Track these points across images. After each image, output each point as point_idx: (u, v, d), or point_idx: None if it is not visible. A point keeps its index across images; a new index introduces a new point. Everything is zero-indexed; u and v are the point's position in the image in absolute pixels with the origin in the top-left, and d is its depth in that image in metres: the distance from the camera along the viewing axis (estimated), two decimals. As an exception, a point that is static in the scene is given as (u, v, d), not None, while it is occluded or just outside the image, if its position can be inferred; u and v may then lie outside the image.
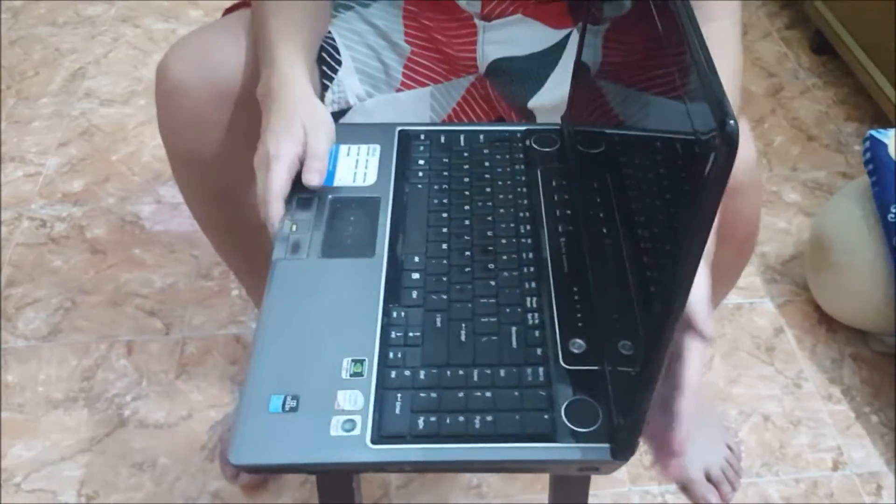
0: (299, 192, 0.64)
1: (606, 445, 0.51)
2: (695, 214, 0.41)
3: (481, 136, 0.73)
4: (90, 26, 1.83)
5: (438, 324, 0.57)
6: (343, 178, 0.67)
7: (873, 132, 1.12)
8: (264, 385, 0.52)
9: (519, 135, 0.74)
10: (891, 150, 1.09)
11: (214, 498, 1.01)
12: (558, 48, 0.83)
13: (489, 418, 0.52)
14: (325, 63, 0.80)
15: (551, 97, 0.82)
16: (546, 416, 0.52)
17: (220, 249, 0.94)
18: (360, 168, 0.68)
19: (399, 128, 0.73)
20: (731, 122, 0.38)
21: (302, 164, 0.65)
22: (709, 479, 1.02)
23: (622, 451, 0.51)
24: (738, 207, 0.71)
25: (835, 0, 1.61)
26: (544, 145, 0.74)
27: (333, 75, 0.80)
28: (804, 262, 1.25)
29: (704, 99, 0.41)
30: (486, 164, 0.71)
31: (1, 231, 1.35)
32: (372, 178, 0.67)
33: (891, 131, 1.11)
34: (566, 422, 0.52)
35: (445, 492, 1.02)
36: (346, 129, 0.70)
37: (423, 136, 0.73)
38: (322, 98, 0.80)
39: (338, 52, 0.80)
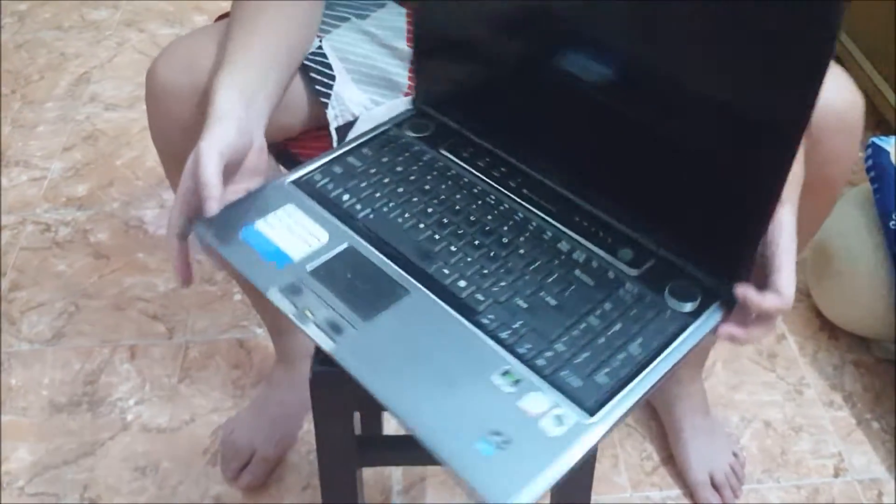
0: (277, 281, 0.59)
1: (717, 302, 0.58)
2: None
3: (365, 149, 0.70)
4: (95, 31, 1.84)
5: (524, 305, 0.58)
6: (298, 250, 0.61)
7: (875, 139, 1.12)
8: (453, 444, 0.50)
9: (393, 131, 0.73)
10: (893, 158, 1.09)
11: (217, 501, 1.02)
12: None
13: (636, 343, 0.55)
14: (319, 81, 0.80)
15: None
16: (668, 315, 0.57)
17: None
18: (300, 232, 0.62)
19: (286, 181, 0.67)
20: None
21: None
22: (712, 483, 1.02)
23: (739, 275, 0.57)
24: (834, 148, 0.70)
25: (837, 7, 1.61)
26: (419, 130, 0.73)
27: (329, 91, 0.80)
28: (806, 269, 1.25)
29: None
30: (399, 168, 0.68)
31: (5, 235, 1.36)
32: (322, 234, 0.62)
33: (892, 138, 1.11)
34: (682, 308, 0.58)
35: (446, 497, 1.03)
36: (238, 206, 0.63)
37: (318, 176, 0.68)
38: (324, 115, 0.81)
39: (330, 68, 0.81)
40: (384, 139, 0.72)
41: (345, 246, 0.61)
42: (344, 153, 0.70)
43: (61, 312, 1.24)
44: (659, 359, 0.54)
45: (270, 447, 1.04)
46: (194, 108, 0.75)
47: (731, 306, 0.57)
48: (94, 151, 1.52)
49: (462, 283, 0.59)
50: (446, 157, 0.70)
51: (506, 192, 0.67)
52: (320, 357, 0.65)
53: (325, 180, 0.67)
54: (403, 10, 0.85)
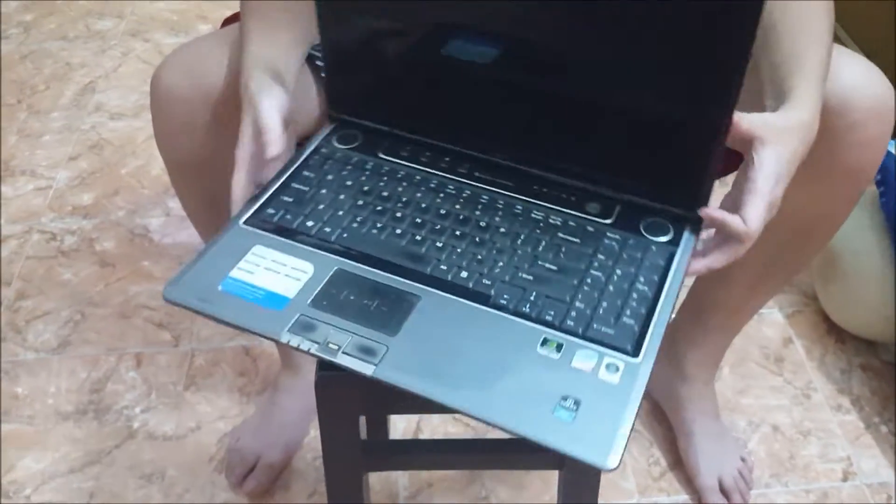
0: (284, 324, 0.56)
1: (688, 227, 0.63)
2: None
3: (306, 172, 0.68)
4: (100, 41, 1.85)
5: (530, 277, 0.59)
6: (289, 287, 0.58)
7: (880, 142, 1.11)
8: (534, 422, 0.51)
9: (326, 148, 0.71)
10: (898, 160, 1.09)
11: (223, 510, 1.02)
12: None
13: (639, 282, 0.59)
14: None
15: None
16: (653, 250, 0.61)
17: None
18: (282, 270, 0.60)
19: (239, 223, 0.64)
20: None
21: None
22: (721, 488, 1.02)
23: (701, 201, 0.61)
24: (867, 134, 0.71)
25: (840, 8, 1.61)
26: (349, 141, 0.71)
27: None
28: (813, 273, 1.25)
29: None
30: (348, 182, 0.67)
31: (11, 244, 1.36)
32: (305, 265, 0.60)
33: (898, 141, 1.11)
34: (662, 240, 0.62)
35: (454, 502, 1.02)
36: (202, 262, 0.60)
37: (271, 210, 0.64)
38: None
39: None
40: (320, 158, 0.69)
41: (334, 270, 0.60)
42: (286, 181, 0.67)
43: (67, 321, 1.24)
44: (665, 289, 0.59)
45: (276, 453, 1.04)
46: (198, 114, 0.75)
47: (699, 228, 0.63)
48: (99, 160, 1.53)
49: (464, 275, 0.59)
50: (388, 160, 0.69)
51: (460, 179, 0.67)
52: (324, 362, 0.64)
53: (281, 212, 0.64)
54: None
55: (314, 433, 1.09)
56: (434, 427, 1.10)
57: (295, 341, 0.55)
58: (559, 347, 0.55)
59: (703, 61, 0.56)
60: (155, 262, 1.33)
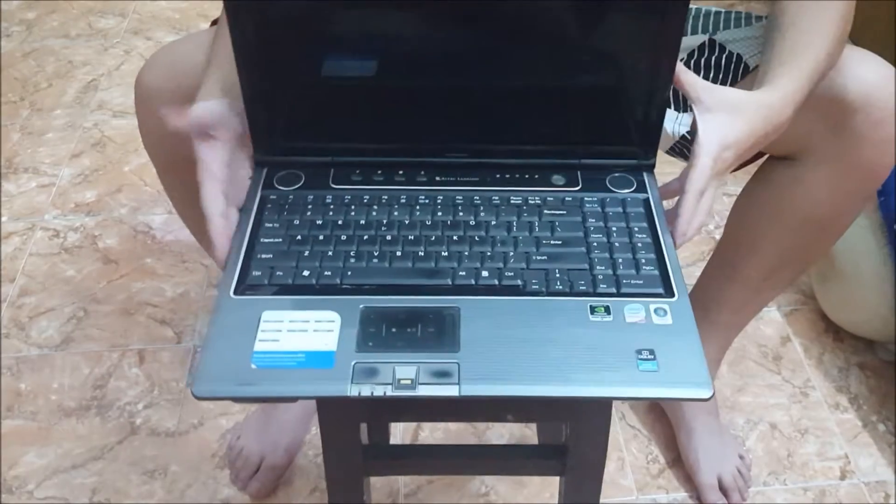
0: (343, 378, 0.53)
1: (644, 173, 0.68)
2: None
3: (268, 224, 0.65)
4: (103, 39, 1.86)
5: (543, 257, 0.62)
6: (325, 341, 0.55)
7: (879, 142, 1.12)
8: (628, 383, 0.53)
9: (273, 195, 0.67)
10: (897, 160, 1.09)
11: (225, 505, 1.02)
12: None
13: (635, 232, 0.64)
14: None
15: None
16: (628, 201, 0.66)
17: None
18: (306, 327, 0.57)
19: (230, 296, 0.61)
20: None
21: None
22: (720, 486, 1.03)
23: (651, 149, 0.67)
24: (866, 129, 0.72)
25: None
26: (292, 182, 0.68)
27: None
28: (811, 272, 1.25)
29: None
30: (318, 221, 0.64)
31: (15, 241, 1.37)
32: (328, 314, 0.57)
33: None
34: (630, 189, 0.67)
35: (454, 500, 1.03)
36: (213, 350, 0.57)
37: (256, 273, 0.61)
38: None
39: None
40: (274, 206, 0.65)
41: (361, 310, 0.57)
42: (251, 240, 0.63)
43: (70, 317, 1.25)
44: (658, 230, 0.63)
45: (279, 454, 1.04)
46: (180, 111, 0.75)
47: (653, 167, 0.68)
48: (102, 158, 1.53)
49: (486, 274, 0.60)
50: (345, 189, 0.67)
51: (425, 187, 0.67)
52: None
53: (269, 270, 0.60)
54: None
55: (315, 430, 1.10)
56: (434, 427, 1.10)
57: (366, 390, 0.53)
58: (608, 310, 0.58)
59: (639, 14, 0.60)
60: (157, 259, 1.34)
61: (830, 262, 1.17)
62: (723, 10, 0.85)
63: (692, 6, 0.85)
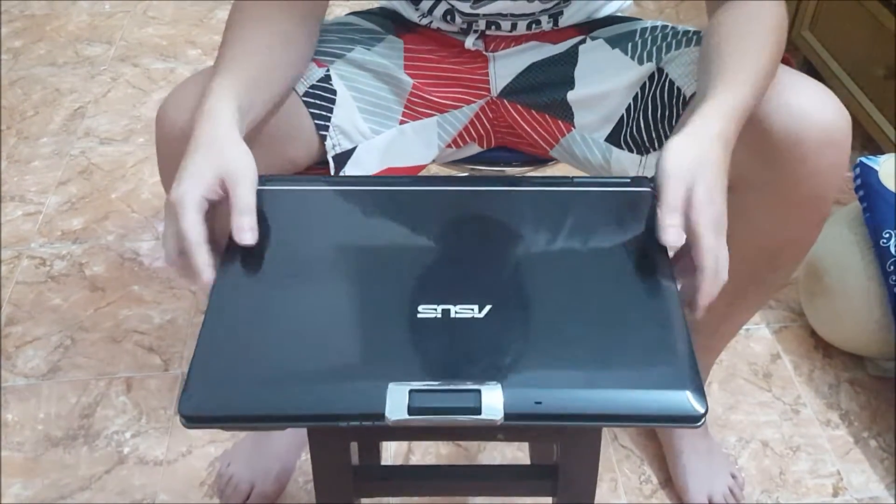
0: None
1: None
2: None
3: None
4: (89, 66, 1.86)
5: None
6: None
7: (863, 159, 1.13)
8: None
9: None
10: (881, 177, 1.10)
11: (214, 534, 1.01)
12: (571, 53, 0.87)
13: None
14: (318, 105, 0.81)
15: (586, 91, 0.86)
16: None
17: None
18: None
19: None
20: None
21: (213, 205, 0.60)
22: (711, 506, 1.02)
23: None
24: (821, 164, 0.70)
25: (823, 30, 1.64)
26: None
27: (328, 122, 0.81)
28: (799, 288, 1.26)
29: None
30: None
31: (1, 270, 1.36)
32: None
33: (881, 158, 1.13)
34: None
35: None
36: None
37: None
38: (321, 146, 0.82)
39: (334, 94, 0.82)
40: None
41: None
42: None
43: (57, 346, 1.24)
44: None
45: (270, 482, 1.03)
46: None
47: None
48: (89, 185, 1.53)
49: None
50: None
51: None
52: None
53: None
54: (401, 42, 0.86)
55: (305, 456, 1.09)
56: (426, 447, 1.10)
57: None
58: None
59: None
60: (145, 286, 1.33)
61: (818, 279, 1.17)
62: (669, 29, 0.84)
63: (647, 24, 0.86)
